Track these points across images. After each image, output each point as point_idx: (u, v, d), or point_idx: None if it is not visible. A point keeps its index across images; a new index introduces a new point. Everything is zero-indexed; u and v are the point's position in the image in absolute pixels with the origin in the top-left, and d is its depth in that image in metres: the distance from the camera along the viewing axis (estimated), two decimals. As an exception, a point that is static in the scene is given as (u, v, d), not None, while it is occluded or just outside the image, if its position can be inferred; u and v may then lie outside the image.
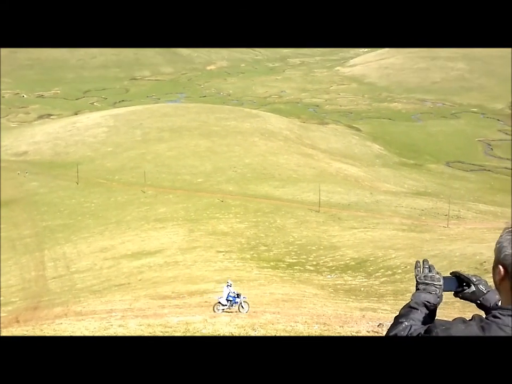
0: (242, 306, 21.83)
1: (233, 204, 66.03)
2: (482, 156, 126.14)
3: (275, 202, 66.44)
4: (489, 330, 1.77)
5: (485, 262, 33.85)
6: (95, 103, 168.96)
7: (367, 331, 15.90)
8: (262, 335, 14.33)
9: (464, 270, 35.60)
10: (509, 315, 1.80)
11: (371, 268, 39.70)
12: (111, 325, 19.15)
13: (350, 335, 14.49)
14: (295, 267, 41.31)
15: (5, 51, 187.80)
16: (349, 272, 39.18)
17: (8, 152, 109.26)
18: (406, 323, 2.05)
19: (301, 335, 14.27)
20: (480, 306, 2.12)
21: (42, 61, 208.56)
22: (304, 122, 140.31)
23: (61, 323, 21.27)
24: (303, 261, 43.29)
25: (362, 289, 33.44)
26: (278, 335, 14.10)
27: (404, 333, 2.00)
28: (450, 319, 1.97)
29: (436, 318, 2.16)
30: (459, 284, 2.30)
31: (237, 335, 14.15)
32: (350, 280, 36.61)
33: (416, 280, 2.32)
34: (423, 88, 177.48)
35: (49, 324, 21.16)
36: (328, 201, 66.77)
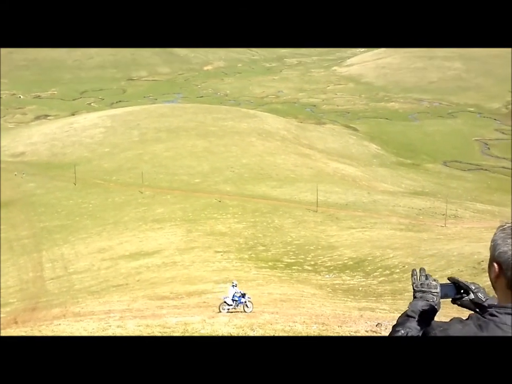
0: (247, 306, 21.92)
1: (230, 204, 66.02)
2: (479, 155, 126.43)
3: (273, 202, 66.46)
4: (487, 329, 1.78)
5: (482, 261, 33.93)
6: (92, 104, 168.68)
7: (366, 331, 15.92)
8: (260, 335, 14.34)
9: (462, 270, 35.68)
10: (506, 313, 1.81)
11: (369, 268, 39.74)
12: (110, 326, 19.14)
13: (349, 335, 14.52)
14: (293, 267, 41.33)
15: (2, 52, 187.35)
16: (347, 272, 39.21)
17: (5, 153, 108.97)
18: (402, 331, 2.04)
19: (299, 335, 14.29)
20: (477, 305, 2.12)
21: (39, 61, 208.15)
22: (301, 122, 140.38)
23: (59, 324, 21.23)
24: (301, 260, 43.31)
25: (360, 288, 33.47)
26: (276, 335, 14.12)
27: None
28: (449, 318, 1.99)
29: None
30: (457, 290, 2.27)
31: (235, 335, 14.16)
32: (348, 280, 36.64)
33: (413, 288, 2.28)
34: (420, 87, 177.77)
35: (48, 324, 21.12)
36: (326, 201, 66.81)
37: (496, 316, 1.82)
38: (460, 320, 1.89)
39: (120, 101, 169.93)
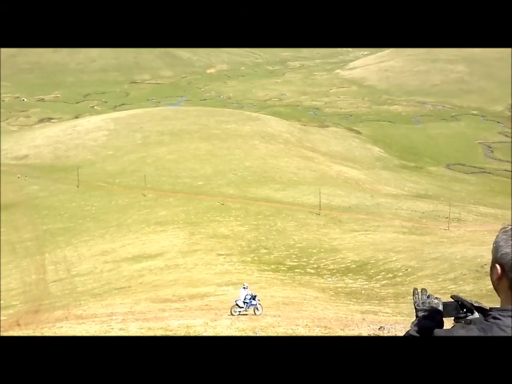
0: (257, 309, 21.95)
1: (233, 206, 66.02)
2: (482, 158, 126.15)
3: (275, 205, 66.42)
4: (490, 332, 1.76)
5: (485, 264, 33.81)
6: (95, 107, 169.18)
7: (368, 334, 15.87)
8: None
9: (465, 273, 35.55)
10: (509, 316, 1.79)
11: (372, 271, 39.65)
12: (112, 328, 19.14)
13: (351, 338, 14.46)
14: (296, 270, 41.27)
15: (5, 55, 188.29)
16: (349, 275, 39.13)
17: (9, 156, 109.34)
18: None
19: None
20: (478, 309, 2.09)
21: (42, 65, 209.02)
22: (304, 125, 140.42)
23: (62, 326, 21.24)
24: (304, 263, 43.24)
25: (363, 292, 33.40)
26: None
27: None
28: (450, 325, 1.97)
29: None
30: (460, 309, 2.19)
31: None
32: (351, 283, 36.57)
33: (415, 308, 2.24)
34: (423, 90, 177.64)
35: (50, 327, 21.13)
36: (329, 204, 66.74)
37: (499, 319, 1.80)
38: (462, 325, 1.88)
39: (123, 104, 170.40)
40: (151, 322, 20.66)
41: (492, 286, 1.98)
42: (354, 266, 41.42)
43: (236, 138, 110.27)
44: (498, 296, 1.95)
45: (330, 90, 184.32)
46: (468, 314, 2.17)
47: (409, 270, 38.46)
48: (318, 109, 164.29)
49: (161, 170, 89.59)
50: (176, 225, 57.70)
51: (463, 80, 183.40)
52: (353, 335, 15.28)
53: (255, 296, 22.20)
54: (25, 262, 49.30)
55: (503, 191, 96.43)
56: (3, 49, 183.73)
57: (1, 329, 21.38)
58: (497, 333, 1.75)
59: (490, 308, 1.93)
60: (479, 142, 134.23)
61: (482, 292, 29.96)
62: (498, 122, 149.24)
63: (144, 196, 75.31)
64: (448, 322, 2.14)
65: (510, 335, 1.73)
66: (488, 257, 1.93)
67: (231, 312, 21.78)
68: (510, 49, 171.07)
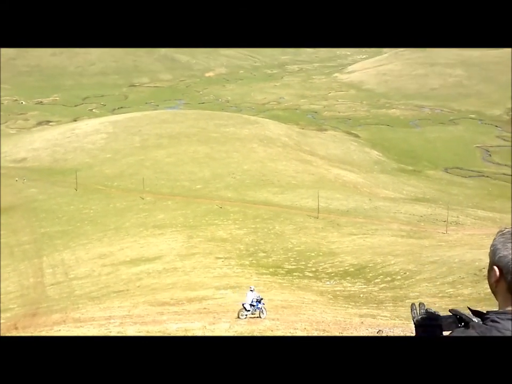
0: (262, 312, 22.01)
1: (232, 210, 66.00)
2: (480, 162, 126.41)
3: (274, 208, 66.42)
4: (490, 336, 1.76)
5: (483, 268, 33.81)
6: (94, 110, 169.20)
7: (367, 337, 15.91)
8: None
9: (463, 276, 35.55)
10: (508, 319, 1.79)
11: (370, 274, 39.63)
12: (110, 332, 19.08)
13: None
14: (294, 273, 41.22)
15: (4, 58, 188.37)
16: (348, 278, 39.10)
17: (7, 159, 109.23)
18: None
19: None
20: (475, 312, 2.08)
21: (41, 67, 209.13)
22: (302, 128, 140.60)
23: (60, 330, 21.19)
24: (302, 267, 43.20)
25: (361, 295, 33.36)
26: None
27: None
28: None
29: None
30: (459, 322, 2.15)
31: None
32: (349, 287, 36.54)
33: (414, 323, 2.19)
34: (421, 94, 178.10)
35: (48, 330, 21.09)
36: (327, 208, 66.76)
37: (498, 322, 1.79)
38: (461, 330, 1.87)
39: (121, 107, 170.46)
40: (149, 325, 20.63)
41: (490, 290, 1.98)
42: (352, 269, 41.40)
43: (234, 142, 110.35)
44: (496, 299, 1.95)
45: (329, 94, 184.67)
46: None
47: (407, 273, 38.45)
48: (316, 112, 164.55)
49: (160, 174, 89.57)
50: (175, 229, 57.64)
51: (462, 84, 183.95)
52: (351, 338, 15.29)
53: (262, 299, 22.25)
54: (23, 265, 49.17)
55: (501, 195, 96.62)
56: (2, 52, 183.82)
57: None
58: (497, 336, 1.75)
59: (487, 312, 1.91)
60: (477, 146, 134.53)
61: (480, 296, 29.96)
62: (496, 126, 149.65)
63: (143, 199, 75.25)
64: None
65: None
66: (486, 260, 1.93)
67: (238, 315, 21.78)
68: (508, 53, 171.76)
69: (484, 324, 1.84)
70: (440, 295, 32.11)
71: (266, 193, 76.35)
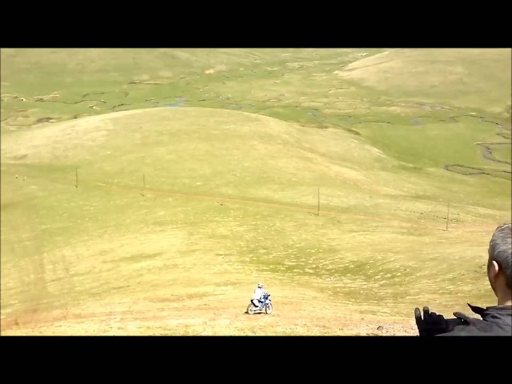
0: (268, 308, 22.32)
1: (232, 207, 66.02)
2: (481, 159, 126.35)
3: (274, 205, 66.44)
4: (490, 331, 1.76)
5: (484, 265, 33.83)
6: (94, 107, 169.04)
7: (367, 333, 15.89)
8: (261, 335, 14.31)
9: (463, 273, 35.57)
10: (508, 314, 1.79)
11: (370, 271, 39.67)
12: (111, 327, 19.10)
13: (350, 337, 14.47)
14: (295, 270, 41.27)
15: (4, 55, 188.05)
16: (348, 275, 39.14)
17: (7, 156, 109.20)
18: None
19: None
20: (475, 309, 2.07)
21: (41, 65, 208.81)
22: (303, 126, 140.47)
23: (60, 325, 21.21)
24: (302, 263, 43.25)
25: (361, 292, 33.39)
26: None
27: None
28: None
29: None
30: (463, 325, 2.09)
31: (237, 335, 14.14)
32: (350, 283, 36.57)
33: (418, 328, 2.16)
34: (421, 92, 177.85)
35: (49, 326, 21.10)
36: (328, 205, 66.77)
37: (498, 318, 1.80)
38: (461, 327, 1.86)
39: (122, 104, 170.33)
40: (149, 321, 20.64)
41: (490, 286, 1.97)
42: (352, 266, 41.43)
43: (235, 139, 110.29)
44: (496, 294, 1.95)
45: (329, 91, 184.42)
46: None
47: (407, 270, 38.49)
48: (317, 109, 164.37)
49: (160, 171, 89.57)
50: (175, 225, 57.68)
51: (462, 81, 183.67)
52: (352, 334, 15.30)
53: (269, 295, 22.59)
54: (23, 262, 49.22)
55: (501, 192, 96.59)
56: (2, 50, 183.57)
57: (0, 328, 21.36)
58: (497, 331, 1.75)
59: (487, 307, 1.91)
60: (478, 143, 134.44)
61: (480, 292, 29.99)
62: (496, 123, 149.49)
63: (143, 196, 75.27)
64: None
65: (510, 333, 1.73)
66: (487, 257, 1.94)
67: (247, 310, 22.03)
68: (509, 51, 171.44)
69: (484, 319, 1.84)
70: (440, 291, 32.14)
71: (266, 190, 76.36)
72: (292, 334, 15.03)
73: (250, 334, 15.09)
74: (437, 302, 28.41)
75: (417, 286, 34.32)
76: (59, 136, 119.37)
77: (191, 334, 14.83)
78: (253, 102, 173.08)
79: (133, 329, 18.49)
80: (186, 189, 78.58)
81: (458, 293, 31.24)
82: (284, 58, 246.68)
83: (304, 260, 44.29)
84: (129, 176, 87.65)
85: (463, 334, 1.80)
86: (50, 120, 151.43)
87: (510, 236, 1.87)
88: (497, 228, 1.97)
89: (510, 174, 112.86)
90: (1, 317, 27.55)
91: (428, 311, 2.14)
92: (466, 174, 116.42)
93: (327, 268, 41.81)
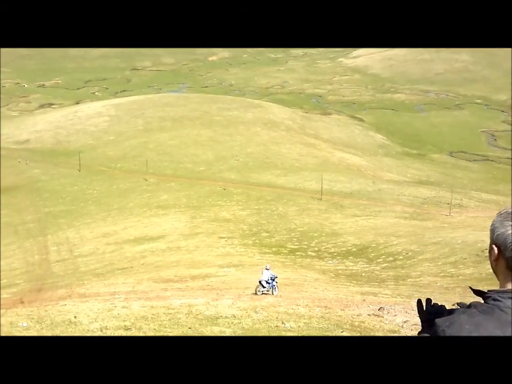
0: (275, 289, 22.55)
1: (235, 191, 66.07)
2: (485, 146, 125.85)
3: (277, 190, 66.46)
4: (492, 314, 1.77)
5: (485, 249, 33.74)
6: (96, 93, 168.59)
7: (368, 314, 15.96)
8: (264, 317, 14.41)
9: (465, 257, 35.61)
10: (509, 297, 1.80)
11: (372, 254, 39.76)
12: (115, 306, 19.24)
13: (351, 318, 14.56)
14: (297, 253, 41.40)
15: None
16: (350, 258, 39.24)
17: (10, 141, 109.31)
18: None
19: (302, 317, 14.34)
20: (476, 292, 2.08)
21: (43, 51, 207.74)
22: (306, 112, 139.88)
23: (65, 304, 21.36)
24: (305, 247, 43.36)
25: (363, 274, 33.49)
26: (279, 317, 14.17)
27: None
28: (452, 303, 1.94)
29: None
30: None
31: (239, 317, 14.23)
32: (352, 266, 36.68)
33: (420, 319, 2.15)
34: (426, 79, 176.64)
35: (54, 305, 21.26)
36: (331, 190, 66.75)
37: (500, 301, 1.80)
38: (462, 310, 1.86)
39: (124, 91, 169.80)
40: (153, 301, 20.77)
41: (491, 270, 1.99)
42: (355, 249, 41.53)
43: (238, 125, 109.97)
44: (497, 278, 1.95)
45: (334, 78, 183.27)
46: None
47: (409, 253, 38.56)
48: (320, 96, 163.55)
49: (163, 156, 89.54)
50: (178, 209, 57.82)
51: (467, 69, 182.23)
52: (353, 315, 15.36)
53: (276, 277, 22.80)
54: (28, 243, 49.52)
55: (505, 179, 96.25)
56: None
57: (5, 306, 21.54)
58: (498, 314, 1.76)
59: (488, 290, 1.91)
60: (483, 131, 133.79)
61: (482, 276, 30.04)
62: (502, 111, 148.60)
63: (146, 180, 75.37)
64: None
65: (510, 315, 1.75)
66: (489, 242, 1.95)
67: (256, 291, 22.22)
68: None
69: (486, 302, 1.85)
70: (441, 274, 32.22)
71: (269, 175, 76.32)
72: (294, 314, 15.10)
73: (252, 313, 15.17)
74: (438, 284, 28.50)
75: (419, 269, 34.40)
76: (61, 121, 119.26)
77: (194, 313, 14.92)
78: (256, 88, 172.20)
79: (137, 308, 18.62)
80: (189, 173, 78.62)
81: (459, 276, 31.31)
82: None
83: (306, 243, 44.40)
84: (132, 161, 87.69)
85: (464, 316, 1.81)
86: (53, 106, 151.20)
87: (509, 219, 1.88)
88: (497, 213, 1.99)
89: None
90: (7, 295, 27.81)
91: (431, 301, 2.14)
92: (470, 161, 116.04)
93: (330, 251, 41.91)
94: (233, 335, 11.64)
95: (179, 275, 30.58)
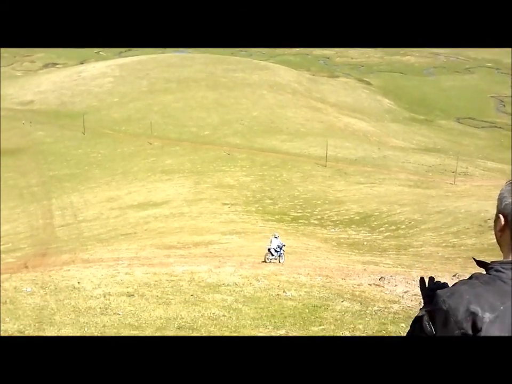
0: (281, 257, 22.96)
1: (239, 157, 65.90)
2: (494, 112, 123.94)
3: (282, 156, 66.21)
4: (493, 285, 1.73)
5: (489, 219, 33.89)
6: (100, 52, 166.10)
7: (369, 284, 16.13)
8: (265, 285, 14.60)
9: (468, 227, 35.70)
10: (511, 268, 1.75)
11: (375, 223, 39.91)
12: (118, 273, 19.53)
13: (352, 287, 14.74)
14: (300, 221, 41.60)
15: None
16: (353, 226, 39.42)
17: (14, 101, 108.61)
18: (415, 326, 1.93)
19: (303, 286, 14.52)
20: (479, 263, 2.04)
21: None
22: (313, 75, 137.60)
23: (69, 269, 21.73)
24: (308, 214, 43.53)
25: (365, 243, 33.72)
26: (280, 286, 14.36)
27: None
28: (453, 274, 1.89)
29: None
30: None
31: (241, 284, 14.43)
32: (354, 235, 36.90)
33: (423, 296, 2.17)
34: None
35: (57, 270, 21.63)
36: (336, 156, 66.42)
37: (502, 272, 1.76)
38: (463, 281, 1.82)
39: (128, 50, 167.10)
40: (156, 267, 21.07)
41: (493, 241, 1.93)
42: (358, 218, 41.67)
43: (244, 88, 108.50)
44: (501, 249, 1.89)
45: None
46: None
47: (412, 222, 38.67)
48: (328, 58, 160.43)
49: (168, 118, 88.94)
50: (182, 174, 57.90)
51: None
52: (354, 284, 15.54)
53: (284, 245, 23.18)
54: (32, 207, 49.96)
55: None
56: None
57: (10, 271, 21.93)
58: (500, 285, 1.73)
59: (491, 262, 1.86)
60: (492, 96, 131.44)
61: (484, 246, 30.18)
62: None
63: (150, 144, 75.17)
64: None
65: (511, 287, 1.71)
66: (493, 211, 1.89)
67: (264, 259, 22.58)
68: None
69: (488, 273, 1.80)
70: (443, 244, 32.39)
71: (274, 140, 75.87)
72: (295, 283, 15.28)
73: (254, 281, 15.35)
74: (439, 254, 28.68)
75: (421, 238, 34.57)
76: (66, 82, 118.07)
77: (196, 280, 15.12)
78: (262, 49, 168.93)
79: (140, 274, 18.89)
80: (194, 137, 78.26)
81: (461, 246, 31.47)
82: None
83: (309, 210, 44.55)
84: (137, 123, 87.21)
85: (464, 287, 1.77)
86: (57, 66, 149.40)
87: None
88: (506, 182, 1.90)
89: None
90: (11, 260, 28.28)
91: (433, 279, 2.12)
92: (478, 127, 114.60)
93: (332, 219, 42.08)
94: (234, 303, 11.85)
95: (182, 242, 30.91)
